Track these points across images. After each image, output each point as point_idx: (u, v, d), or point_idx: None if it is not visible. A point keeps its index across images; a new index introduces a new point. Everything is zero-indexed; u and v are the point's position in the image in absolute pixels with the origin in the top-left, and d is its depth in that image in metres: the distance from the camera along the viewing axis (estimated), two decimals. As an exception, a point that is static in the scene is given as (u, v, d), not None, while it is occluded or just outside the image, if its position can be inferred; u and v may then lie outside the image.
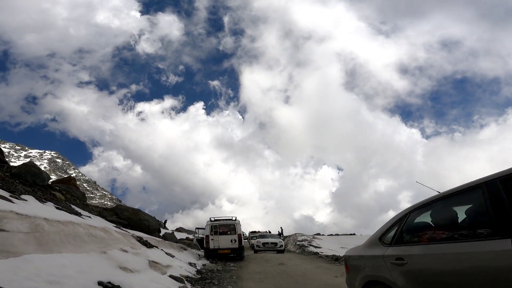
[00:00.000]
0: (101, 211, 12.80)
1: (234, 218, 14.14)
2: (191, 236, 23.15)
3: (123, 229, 10.70)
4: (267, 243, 19.34)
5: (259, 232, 30.01)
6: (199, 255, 14.48)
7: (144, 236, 11.31)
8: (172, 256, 9.71)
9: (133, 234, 10.17)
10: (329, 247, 25.87)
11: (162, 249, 10.05)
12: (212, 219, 14.01)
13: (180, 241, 20.63)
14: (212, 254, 13.31)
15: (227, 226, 13.72)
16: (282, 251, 19.08)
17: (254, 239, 22.43)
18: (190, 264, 10.24)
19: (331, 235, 38.75)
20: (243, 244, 13.74)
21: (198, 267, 10.22)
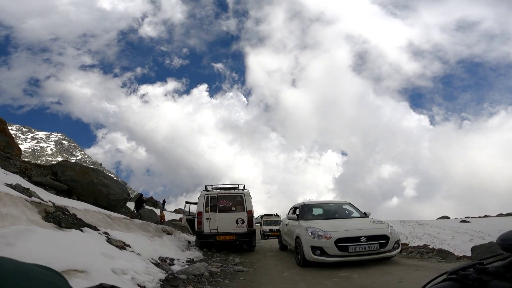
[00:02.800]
0: (27, 168, 8.12)
1: (241, 188, 9.40)
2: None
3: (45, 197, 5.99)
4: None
5: (276, 215, 22.28)
6: (189, 242, 9.86)
7: (89, 209, 6.62)
8: (123, 248, 5.01)
9: (54, 204, 5.44)
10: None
11: (106, 234, 5.35)
12: (210, 187, 9.28)
13: (171, 222, 16.12)
14: (207, 242, 8.69)
15: (231, 199, 9.03)
16: None
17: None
18: (158, 262, 5.55)
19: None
20: (254, 227, 9.03)
21: (176, 267, 5.55)
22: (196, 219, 8.81)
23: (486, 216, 29.82)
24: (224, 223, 8.72)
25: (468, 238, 20.22)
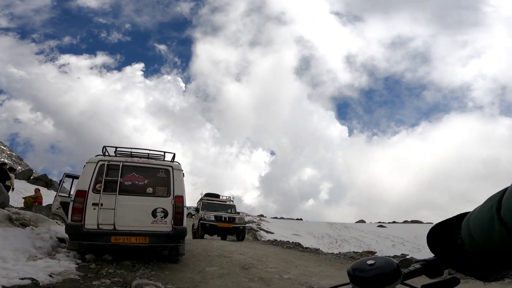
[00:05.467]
0: None
1: (169, 158, 5.90)
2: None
3: None
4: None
5: (229, 200, 14.28)
6: (60, 241, 5.76)
7: None
8: None
9: None
10: (281, 233, 20.26)
11: None
12: (111, 151, 5.49)
13: (49, 207, 11.01)
14: (91, 245, 4.90)
15: (148, 174, 5.57)
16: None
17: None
18: None
19: (276, 218, 33.68)
20: (185, 224, 5.62)
21: None
22: (72, 204, 4.85)
23: (394, 222, 32.80)
24: (130, 214, 5.12)
25: (390, 243, 20.86)
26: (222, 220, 11.44)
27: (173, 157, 6.24)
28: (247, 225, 14.90)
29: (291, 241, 12.77)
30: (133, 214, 5.19)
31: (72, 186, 7.19)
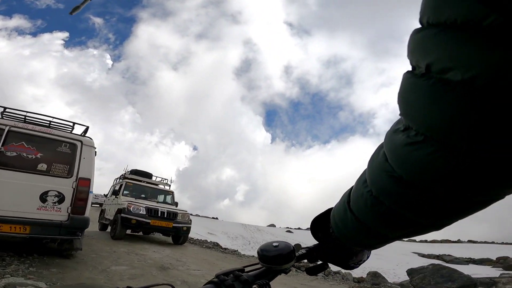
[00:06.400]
0: None
1: (80, 132, 4.66)
2: None
3: None
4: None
5: (165, 182, 10.30)
6: None
7: None
8: None
9: None
10: (196, 231, 19.54)
11: None
12: None
13: None
14: None
15: (43, 145, 4.37)
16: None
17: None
18: None
19: (191, 214, 32.37)
20: (87, 214, 4.45)
21: None
22: None
23: (299, 228, 35.80)
24: (6, 194, 3.80)
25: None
26: (159, 216, 7.57)
27: (85, 131, 5.08)
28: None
29: (208, 240, 12.18)
30: (11, 194, 3.90)
31: None
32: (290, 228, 32.14)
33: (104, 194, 14.50)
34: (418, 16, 0.28)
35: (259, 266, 0.62)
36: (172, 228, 7.75)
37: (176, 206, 8.99)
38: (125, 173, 9.62)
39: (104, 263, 4.73)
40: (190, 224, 8.30)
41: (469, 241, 33.23)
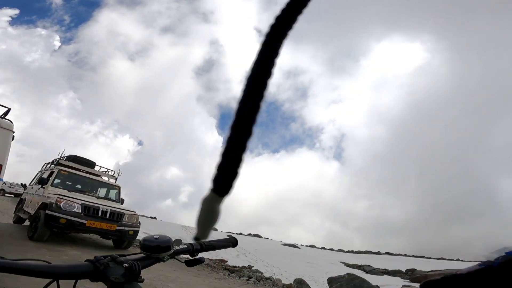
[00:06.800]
0: None
1: None
2: None
3: None
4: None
5: (105, 171, 8.86)
6: None
7: None
8: None
9: None
10: None
11: None
12: None
13: None
14: None
15: None
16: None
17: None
18: None
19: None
20: None
21: None
22: None
23: (241, 234, 36.17)
24: None
25: (236, 253, 22.67)
26: (99, 216, 6.32)
27: (6, 113, 4.66)
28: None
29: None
30: None
31: None
32: (232, 233, 32.31)
33: (21, 184, 12.76)
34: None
35: (140, 254, 0.72)
36: (115, 231, 6.49)
37: (122, 203, 7.79)
38: (59, 158, 8.15)
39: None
40: (139, 227, 7.00)
41: (387, 253, 37.63)
